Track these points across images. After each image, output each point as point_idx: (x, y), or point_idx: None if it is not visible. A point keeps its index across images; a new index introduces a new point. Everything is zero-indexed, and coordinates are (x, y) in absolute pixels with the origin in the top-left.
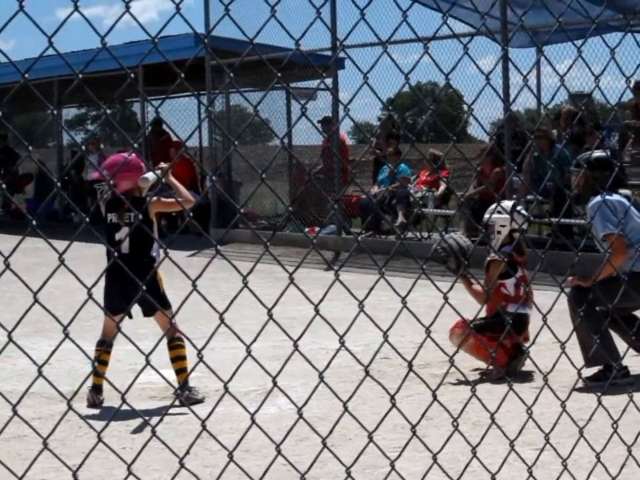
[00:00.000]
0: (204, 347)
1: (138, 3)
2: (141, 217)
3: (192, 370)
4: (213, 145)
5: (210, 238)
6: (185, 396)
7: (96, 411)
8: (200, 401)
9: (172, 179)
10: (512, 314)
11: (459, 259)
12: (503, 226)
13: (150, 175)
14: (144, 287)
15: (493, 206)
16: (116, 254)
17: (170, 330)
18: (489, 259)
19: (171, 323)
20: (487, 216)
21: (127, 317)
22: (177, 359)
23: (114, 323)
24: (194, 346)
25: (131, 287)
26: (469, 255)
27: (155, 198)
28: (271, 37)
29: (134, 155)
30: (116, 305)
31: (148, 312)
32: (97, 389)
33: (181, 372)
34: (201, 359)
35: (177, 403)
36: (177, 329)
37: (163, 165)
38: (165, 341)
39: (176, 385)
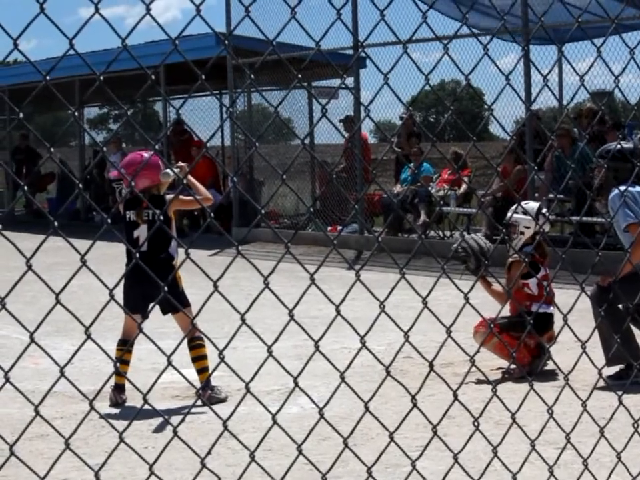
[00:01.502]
0: (225, 346)
1: (160, 2)
2: (160, 214)
3: (214, 369)
4: (234, 144)
5: (230, 238)
6: (208, 395)
7: (118, 411)
8: (223, 400)
9: (191, 178)
10: (535, 313)
11: (479, 260)
12: (527, 227)
13: (169, 171)
14: (165, 287)
15: (517, 205)
16: (137, 254)
17: (190, 330)
18: (510, 259)
19: (192, 323)
20: (510, 214)
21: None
22: (198, 359)
23: (134, 322)
24: (215, 346)
25: (150, 285)
26: (488, 256)
27: (173, 195)
28: (293, 35)
29: (152, 153)
30: (134, 303)
31: (166, 310)
32: (119, 388)
33: (203, 371)
34: (222, 359)
35: (199, 402)
36: (197, 329)
37: (181, 164)
38: (186, 340)
39: (197, 384)
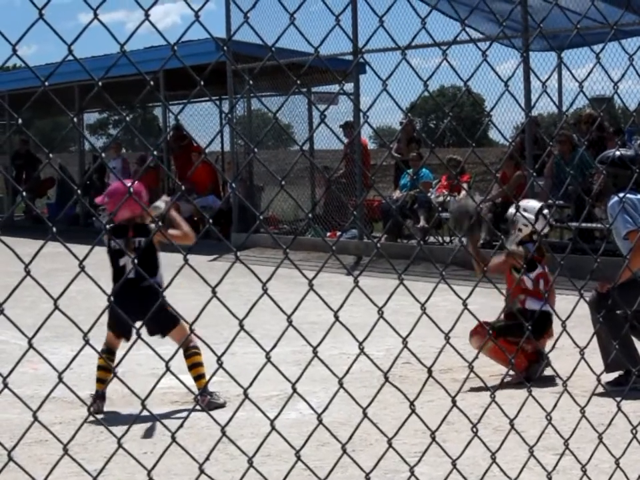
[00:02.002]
0: (224, 352)
1: (159, 7)
2: (146, 242)
3: (212, 375)
4: (234, 150)
5: (229, 244)
6: (207, 401)
7: (117, 416)
8: (222, 406)
9: (174, 213)
10: (534, 318)
11: (469, 220)
12: (526, 225)
13: (160, 204)
14: (153, 311)
15: (521, 202)
16: (131, 275)
17: (185, 342)
18: (509, 249)
19: (190, 330)
20: (512, 210)
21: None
22: (194, 366)
23: (117, 341)
24: (214, 352)
25: (138, 313)
26: (474, 216)
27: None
28: (293, 41)
29: (137, 184)
30: (121, 329)
31: (154, 332)
32: (100, 397)
33: (200, 378)
34: (220, 365)
35: (197, 408)
36: (196, 336)
37: (166, 198)
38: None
39: (196, 390)
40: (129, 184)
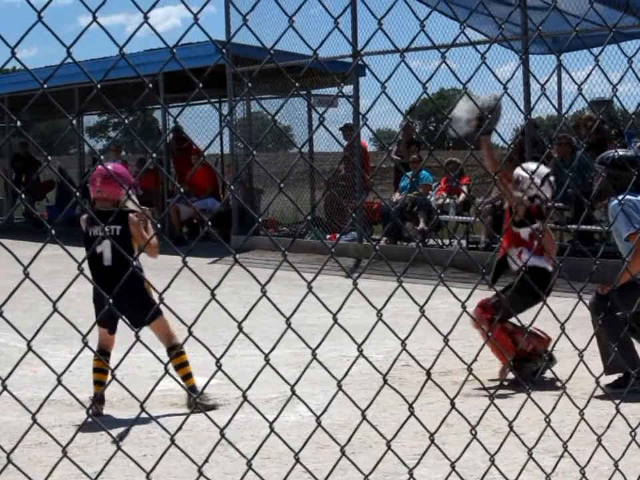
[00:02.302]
0: (223, 355)
1: (160, 10)
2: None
3: (211, 378)
4: (234, 152)
5: (228, 247)
6: (190, 401)
7: (117, 418)
8: (212, 408)
9: (142, 232)
10: (529, 267)
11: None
12: (531, 188)
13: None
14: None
15: (528, 165)
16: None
17: (168, 337)
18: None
19: (189, 332)
20: (519, 171)
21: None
22: (181, 366)
23: (108, 337)
24: (212, 354)
25: (117, 300)
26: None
27: (135, 219)
28: (293, 43)
29: (119, 166)
30: (102, 318)
31: (138, 323)
32: (99, 399)
33: (189, 377)
34: (219, 368)
35: (197, 409)
36: (175, 334)
37: (143, 212)
38: (188, 346)
39: (193, 392)
40: (110, 166)
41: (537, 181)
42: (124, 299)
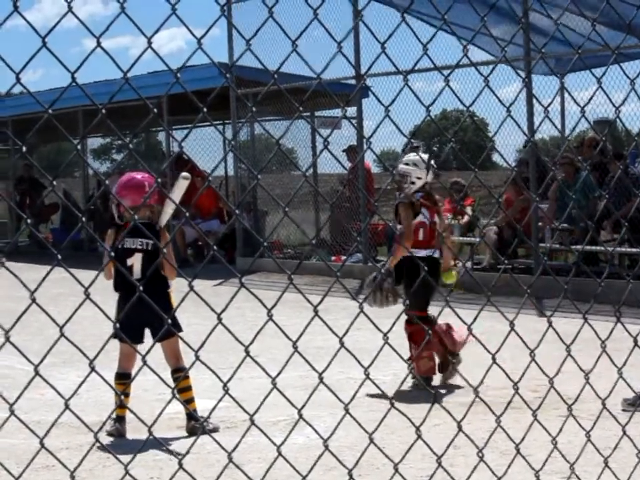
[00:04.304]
0: (230, 378)
1: (164, 32)
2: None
3: (219, 401)
4: (238, 175)
5: (234, 270)
6: (191, 426)
7: (123, 441)
8: (213, 431)
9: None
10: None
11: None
12: (419, 178)
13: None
14: (162, 313)
15: (409, 156)
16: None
17: (176, 358)
18: (396, 202)
19: (196, 357)
20: (402, 166)
21: (141, 344)
22: (184, 390)
23: (130, 351)
24: (219, 378)
25: (149, 313)
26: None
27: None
28: (297, 65)
29: (146, 175)
30: (133, 333)
31: (161, 337)
32: (121, 420)
33: (191, 401)
34: (227, 392)
35: (198, 433)
36: (182, 358)
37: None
38: (195, 369)
39: (204, 414)
40: (139, 175)
41: (424, 170)
42: (153, 312)
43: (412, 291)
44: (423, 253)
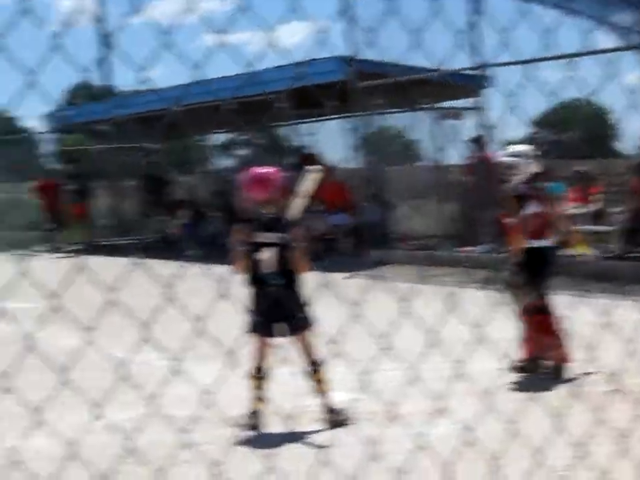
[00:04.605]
0: (365, 370)
1: (286, 26)
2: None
3: (353, 393)
4: (365, 167)
5: (366, 261)
6: (332, 418)
7: (262, 435)
8: (344, 423)
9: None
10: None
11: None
12: (526, 169)
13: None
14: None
15: (513, 148)
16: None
17: (311, 350)
18: (505, 194)
19: (330, 347)
20: (508, 158)
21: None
22: (320, 383)
23: (264, 345)
24: (355, 371)
25: (283, 307)
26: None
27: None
28: (417, 57)
29: (274, 169)
30: (267, 327)
31: (296, 331)
32: (257, 414)
33: (328, 393)
34: (362, 383)
35: (343, 424)
36: (316, 350)
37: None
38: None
39: (340, 407)
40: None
41: (530, 161)
42: (286, 305)
43: (533, 282)
44: (536, 243)
